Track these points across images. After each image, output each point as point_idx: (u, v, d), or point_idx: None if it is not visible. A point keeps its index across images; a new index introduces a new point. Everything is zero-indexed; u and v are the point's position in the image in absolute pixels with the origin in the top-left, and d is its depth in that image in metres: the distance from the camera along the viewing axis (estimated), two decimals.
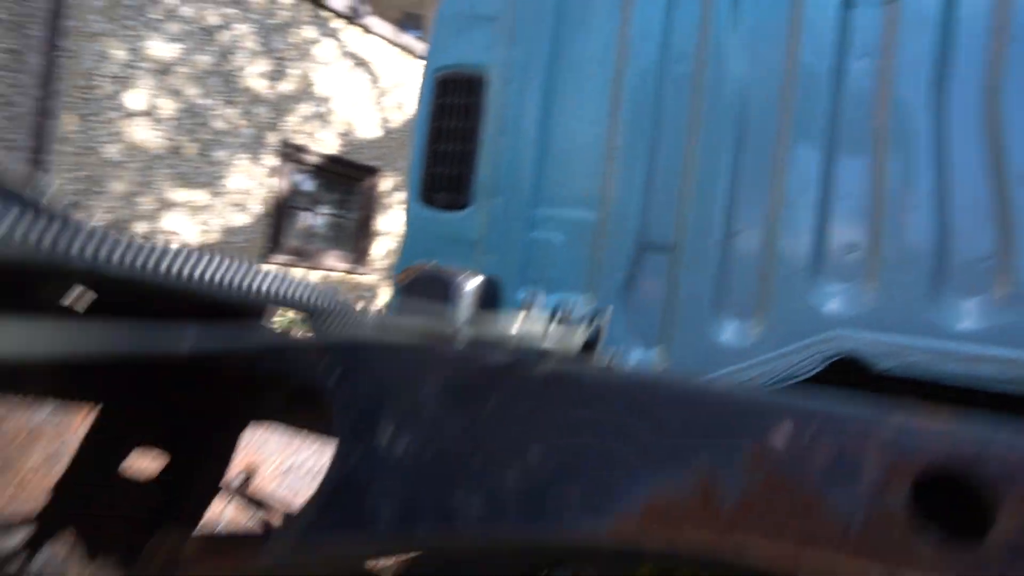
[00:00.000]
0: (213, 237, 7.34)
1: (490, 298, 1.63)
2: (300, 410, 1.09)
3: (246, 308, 0.86)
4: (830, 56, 1.82)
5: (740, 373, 1.85)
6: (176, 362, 0.85)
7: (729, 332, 1.92)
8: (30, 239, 0.54)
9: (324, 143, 8.35)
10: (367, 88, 8.82)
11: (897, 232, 1.72)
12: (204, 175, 7.23)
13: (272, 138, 7.79)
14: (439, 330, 0.72)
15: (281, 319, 4.34)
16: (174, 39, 6.89)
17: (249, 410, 1.10)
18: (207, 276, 0.64)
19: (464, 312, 1.01)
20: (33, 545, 0.95)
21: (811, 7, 1.86)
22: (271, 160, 7.80)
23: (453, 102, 2.35)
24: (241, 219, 7.59)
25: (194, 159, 7.15)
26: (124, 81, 6.59)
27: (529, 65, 2.21)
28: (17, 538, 0.94)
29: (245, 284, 0.67)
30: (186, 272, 0.63)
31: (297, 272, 8.25)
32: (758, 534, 0.50)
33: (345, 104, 8.54)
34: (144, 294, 0.70)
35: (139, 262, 0.60)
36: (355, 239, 9.00)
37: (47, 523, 0.96)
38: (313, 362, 0.72)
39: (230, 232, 7.50)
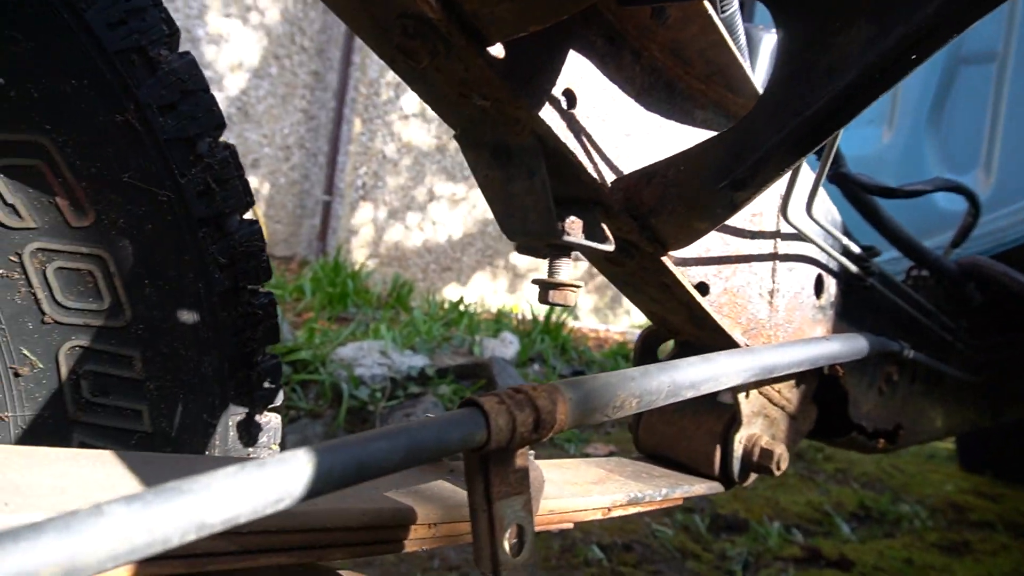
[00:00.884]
0: (470, 228, 7.94)
1: None
2: None
3: None
4: None
5: None
6: None
7: None
8: None
9: None
10: None
11: None
12: (465, 169, 7.88)
13: None
14: None
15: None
16: None
17: None
18: None
19: None
20: None
21: None
22: None
23: None
24: None
25: (456, 155, 7.83)
26: (400, 87, 7.44)
27: None
28: None
29: None
30: None
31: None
32: None
33: None
34: None
35: None
36: None
37: None
38: None
39: (484, 223, 8.06)
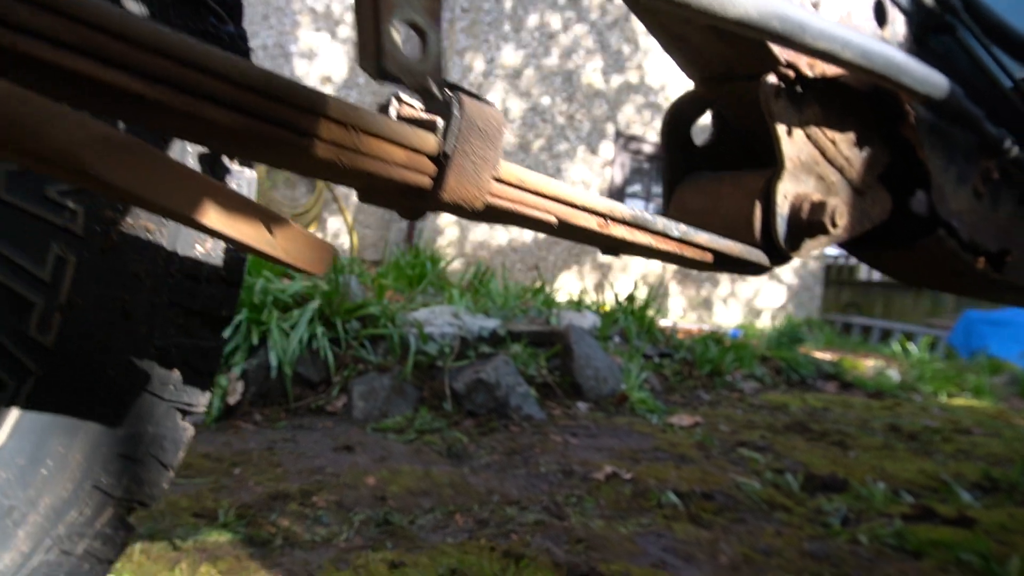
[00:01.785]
0: None
1: None
2: None
3: None
4: None
5: None
6: None
7: None
8: None
9: (657, 131, 8.47)
10: None
11: None
12: (547, 167, 7.82)
13: (608, 129, 8.14)
14: None
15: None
16: (522, 46, 7.68)
17: None
18: None
19: None
20: None
21: None
22: (607, 151, 8.13)
23: None
24: None
25: (539, 153, 7.79)
26: (482, 87, 7.51)
27: None
28: None
29: None
30: None
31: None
32: None
33: (679, 91, 8.59)
34: None
35: None
36: None
37: None
38: None
39: None
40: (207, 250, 0.72)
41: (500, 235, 7.84)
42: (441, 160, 0.47)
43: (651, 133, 8.47)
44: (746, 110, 0.71)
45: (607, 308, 4.55)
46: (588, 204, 0.56)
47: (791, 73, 0.67)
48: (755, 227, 0.70)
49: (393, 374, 2.74)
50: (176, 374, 0.70)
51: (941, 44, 0.84)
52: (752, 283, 9.56)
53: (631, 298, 4.63)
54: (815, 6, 0.69)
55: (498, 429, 2.66)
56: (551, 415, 2.92)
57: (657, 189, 8.68)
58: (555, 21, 7.88)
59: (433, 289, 4.41)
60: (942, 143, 0.81)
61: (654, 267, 8.62)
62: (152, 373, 0.65)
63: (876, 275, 13.15)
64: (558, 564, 1.52)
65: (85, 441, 0.63)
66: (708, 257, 0.67)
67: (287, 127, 0.41)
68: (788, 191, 0.70)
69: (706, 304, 9.15)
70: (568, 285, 8.08)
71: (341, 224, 8.01)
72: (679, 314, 8.94)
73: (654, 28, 0.74)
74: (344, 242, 7.97)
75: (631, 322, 4.37)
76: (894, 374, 5.61)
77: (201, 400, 0.75)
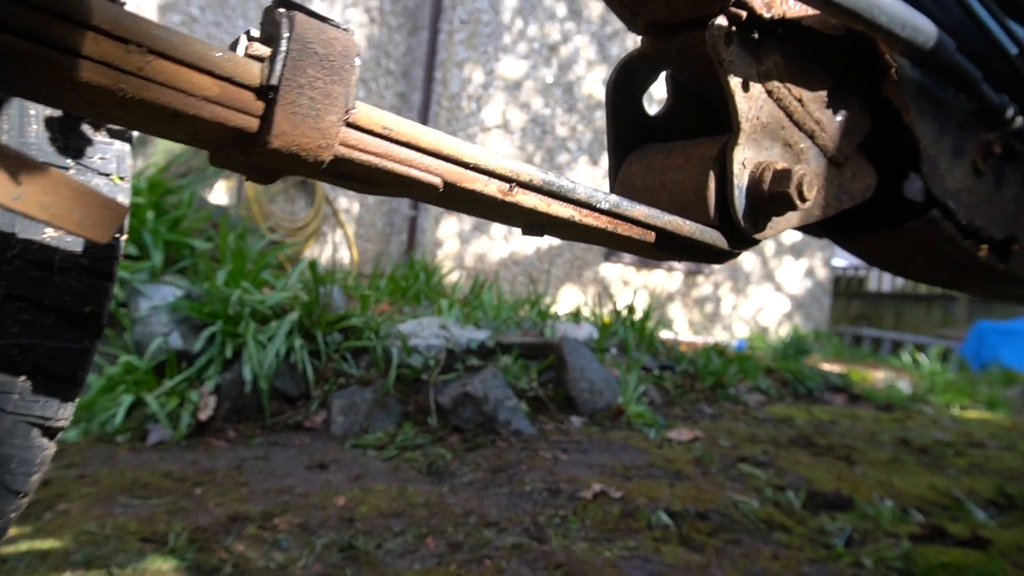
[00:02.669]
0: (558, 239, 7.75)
1: None
2: None
3: None
4: None
5: None
6: None
7: None
8: None
9: None
10: None
11: None
12: None
13: None
14: None
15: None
16: (522, 58, 7.62)
17: None
18: None
19: None
20: None
21: None
22: None
23: None
24: None
25: (540, 165, 7.70)
26: (481, 99, 7.44)
27: None
28: None
29: None
30: None
31: (640, 270, 8.29)
32: None
33: None
34: None
35: None
36: None
37: None
38: None
39: None
40: (59, 233, 0.61)
41: (500, 247, 7.74)
42: (268, 95, 0.37)
43: None
44: (698, 66, 0.60)
45: (607, 320, 4.42)
46: (483, 163, 0.45)
47: (743, 13, 0.57)
48: (709, 201, 0.59)
49: (375, 388, 2.63)
50: (22, 381, 0.59)
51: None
52: (758, 295, 9.41)
53: (630, 309, 4.51)
54: None
55: (485, 445, 2.53)
56: (542, 430, 2.79)
57: None
58: (555, 32, 7.82)
59: (427, 301, 4.31)
60: (933, 109, 0.70)
61: (659, 280, 8.50)
62: None
63: (887, 286, 12.95)
64: None
65: None
66: (649, 236, 0.55)
67: (35, 38, 0.31)
68: (747, 158, 0.59)
69: (712, 318, 9.00)
70: (571, 298, 7.96)
71: (341, 238, 7.94)
72: (683, 327, 8.79)
73: None
74: (344, 256, 7.90)
75: (630, 333, 4.24)
76: (904, 386, 5.45)
77: (63, 412, 0.63)
